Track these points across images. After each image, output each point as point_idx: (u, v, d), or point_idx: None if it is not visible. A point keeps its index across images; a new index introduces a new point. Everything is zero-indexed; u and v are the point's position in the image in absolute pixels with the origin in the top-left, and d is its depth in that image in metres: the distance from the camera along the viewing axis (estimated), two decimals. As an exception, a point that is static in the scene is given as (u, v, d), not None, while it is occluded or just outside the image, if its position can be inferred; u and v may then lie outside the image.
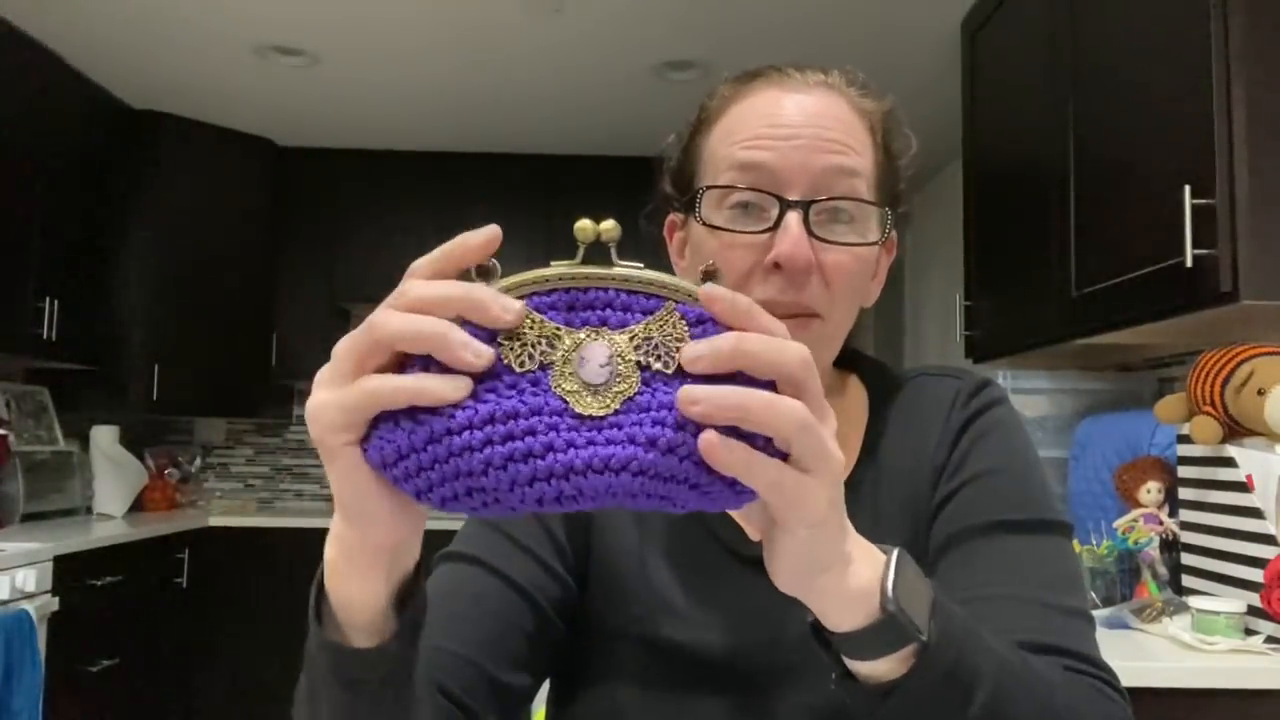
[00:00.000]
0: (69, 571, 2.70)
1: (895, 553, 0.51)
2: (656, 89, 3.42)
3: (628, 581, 0.73)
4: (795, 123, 0.70)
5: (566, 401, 0.42)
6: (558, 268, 0.44)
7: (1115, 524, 1.86)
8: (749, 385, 0.42)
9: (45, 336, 3.11)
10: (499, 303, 0.42)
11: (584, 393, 0.42)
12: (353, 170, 4.13)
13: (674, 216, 0.80)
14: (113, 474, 3.55)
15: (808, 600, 0.49)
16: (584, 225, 0.44)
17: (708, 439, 0.41)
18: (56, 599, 2.62)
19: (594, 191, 3.91)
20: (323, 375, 0.43)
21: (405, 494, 0.42)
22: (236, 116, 3.82)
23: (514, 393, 0.42)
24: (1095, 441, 2.12)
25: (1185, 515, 1.72)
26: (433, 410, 0.41)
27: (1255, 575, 1.51)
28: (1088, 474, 2.11)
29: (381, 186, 4.13)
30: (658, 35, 3.03)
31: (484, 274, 0.44)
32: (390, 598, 0.49)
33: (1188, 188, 1.55)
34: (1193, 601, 1.56)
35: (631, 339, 0.43)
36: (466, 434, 0.41)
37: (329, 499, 4.42)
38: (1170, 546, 1.78)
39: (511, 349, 0.43)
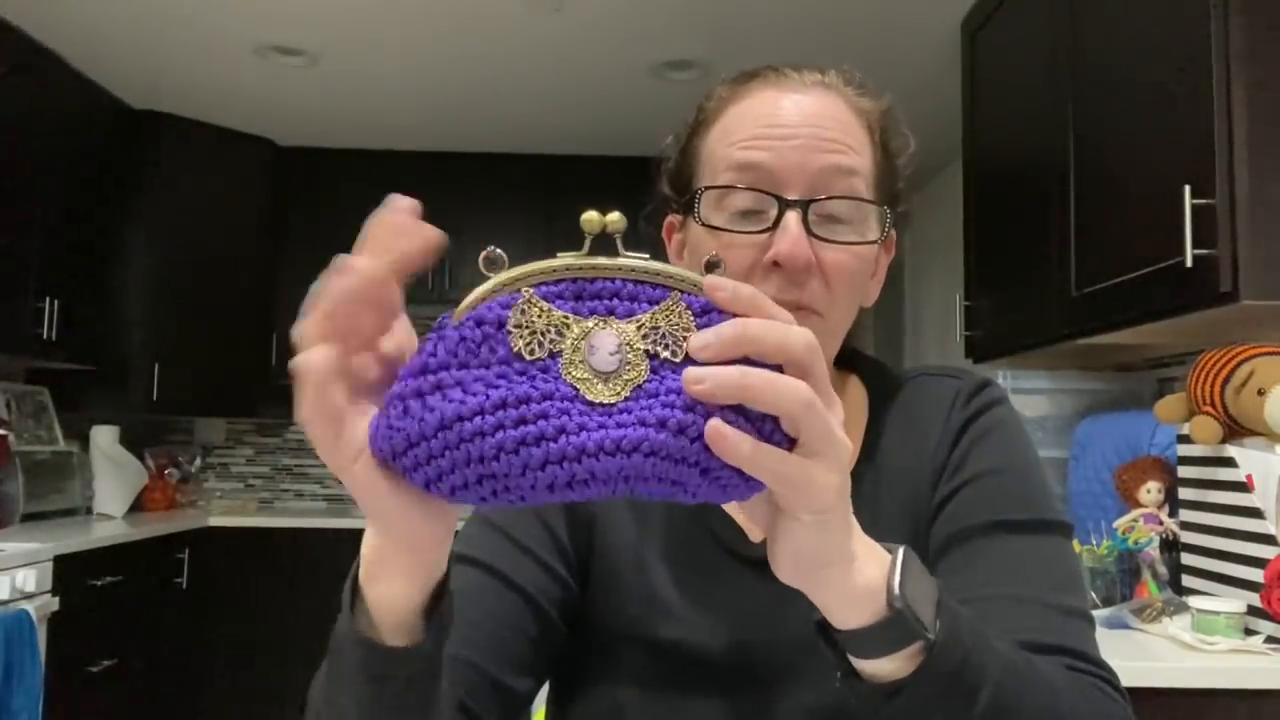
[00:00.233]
0: (69, 571, 2.70)
1: (901, 550, 0.51)
2: (656, 89, 3.42)
3: (628, 581, 0.73)
4: (793, 123, 0.70)
5: (577, 388, 0.42)
6: (565, 258, 0.45)
7: (1115, 524, 1.86)
8: None
9: (45, 336, 3.11)
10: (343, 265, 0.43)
11: (594, 380, 0.43)
12: (353, 170, 4.12)
13: (672, 218, 0.80)
14: (113, 474, 3.54)
15: (812, 594, 0.49)
16: (590, 217, 0.44)
17: (714, 425, 0.41)
18: (56, 599, 2.62)
19: (594, 191, 3.88)
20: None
21: (415, 487, 0.42)
22: (236, 116, 3.82)
23: (525, 379, 0.42)
24: (1095, 441, 2.12)
25: (1185, 515, 1.72)
26: (443, 396, 0.41)
27: (1255, 575, 1.51)
28: (1088, 474, 2.11)
29: (381, 186, 4.08)
30: (658, 35, 3.03)
31: (491, 264, 0.44)
32: (422, 600, 0.49)
33: (1188, 188, 1.55)
34: (1193, 601, 1.56)
35: (639, 328, 0.44)
36: (478, 419, 0.41)
37: (329, 499, 4.44)
38: (1170, 546, 1.78)
39: (521, 336, 0.43)
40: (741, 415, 0.42)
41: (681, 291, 0.44)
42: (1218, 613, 1.50)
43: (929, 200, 3.92)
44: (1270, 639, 1.49)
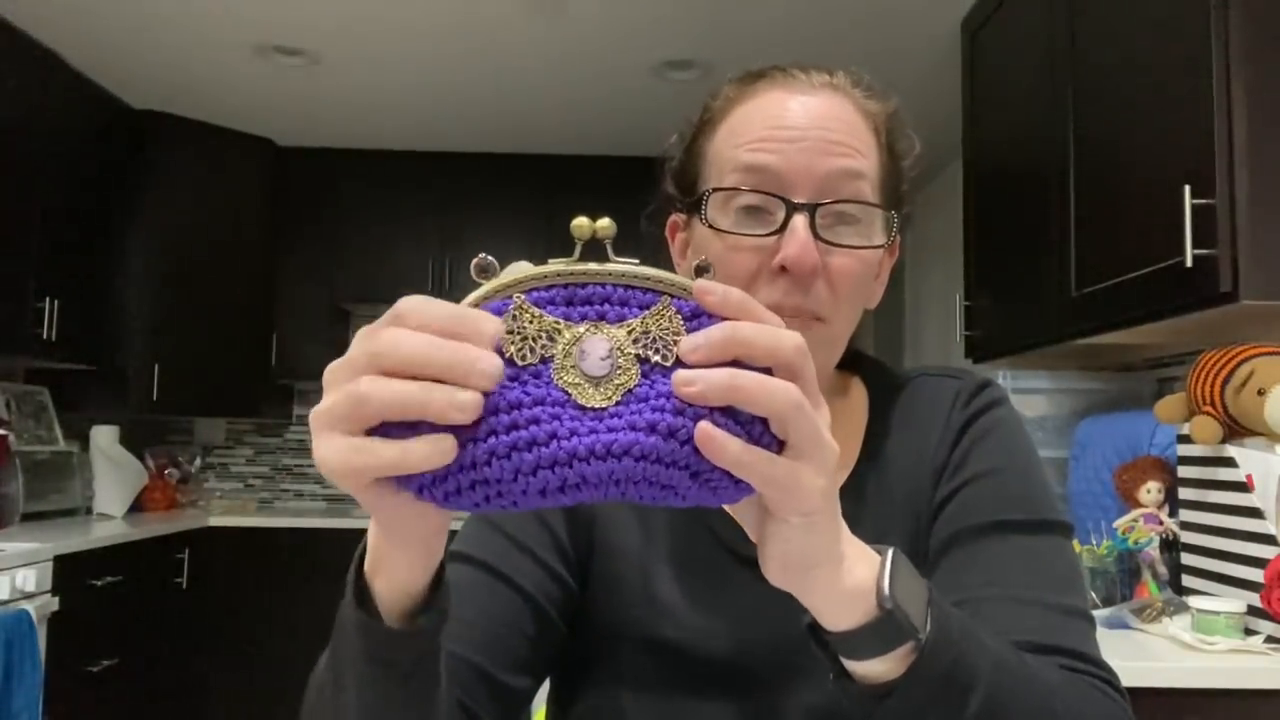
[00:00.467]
0: (69, 571, 2.70)
1: (890, 552, 0.51)
2: (657, 89, 3.42)
3: (629, 581, 0.73)
4: (800, 125, 0.70)
5: (568, 393, 0.43)
6: (555, 264, 0.45)
7: (1115, 524, 1.86)
8: None
9: (45, 336, 3.11)
10: (478, 368, 0.40)
11: (585, 385, 0.43)
12: (353, 170, 4.13)
13: (676, 217, 0.80)
14: (113, 474, 3.54)
15: (801, 596, 0.49)
16: (580, 223, 0.45)
17: (703, 427, 0.41)
18: (56, 599, 2.62)
19: (594, 191, 3.91)
20: (321, 420, 0.42)
21: (408, 492, 0.43)
22: (236, 116, 3.82)
23: (516, 385, 0.42)
24: (1095, 441, 2.12)
25: (1185, 515, 1.72)
26: None
27: (1255, 575, 1.51)
28: (1088, 474, 2.11)
29: (381, 186, 4.13)
30: (658, 35, 3.03)
31: (482, 271, 0.44)
32: (423, 585, 0.50)
33: (1188, 188, 1.55)
34: (1193, 601, 1.56)
35: (630, 333, 0.44)
36: (470, 426, 0.41)
37: (329, 499, 4.43)
38: (1170, 546, 1.78)
39: (512, 342, 0.43)
40: (731, 418, 0.42)
41: (671, 296, 0.44)
42: (1218, 613, 1.50)
43: (929, 200, 3.92)
44: (1270, 639, 1.49)
